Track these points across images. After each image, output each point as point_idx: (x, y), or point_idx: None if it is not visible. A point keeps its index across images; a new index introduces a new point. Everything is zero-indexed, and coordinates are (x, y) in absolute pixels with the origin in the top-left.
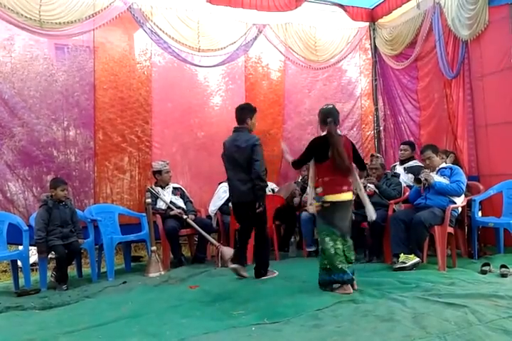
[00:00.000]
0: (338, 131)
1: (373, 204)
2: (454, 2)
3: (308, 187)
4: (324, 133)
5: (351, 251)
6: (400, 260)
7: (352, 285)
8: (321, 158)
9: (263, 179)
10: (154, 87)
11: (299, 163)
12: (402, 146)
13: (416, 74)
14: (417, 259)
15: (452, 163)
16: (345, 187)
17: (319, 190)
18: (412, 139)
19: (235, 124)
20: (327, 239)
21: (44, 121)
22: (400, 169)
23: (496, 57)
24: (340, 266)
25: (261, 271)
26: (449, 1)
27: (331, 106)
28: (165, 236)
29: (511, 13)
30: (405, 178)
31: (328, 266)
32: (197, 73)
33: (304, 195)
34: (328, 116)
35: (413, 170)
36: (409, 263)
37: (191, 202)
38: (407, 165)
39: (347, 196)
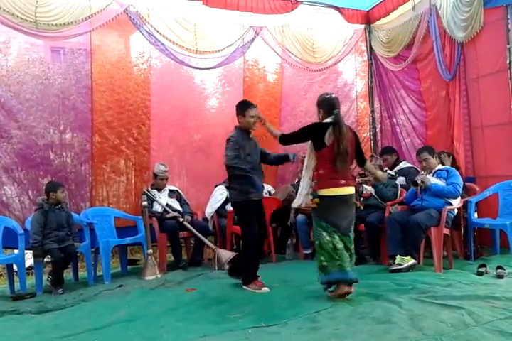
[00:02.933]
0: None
1: (370, 206)
2: (450, 4)
3: (302, 179)
4: (328, 120)
5: (351, 245)
6: (396, 262)
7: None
8: (319, 144)
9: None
10: (151, 90)
11: (289, 139)
12: (383, 157)
13: (417, 75)
14: (413, 261)
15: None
16: (342, 181)
17: (313, 183)
18: (417, 139)
19: (232, 127)
20: (324, 233)
21: (40, 124)
22: (391, 173)
23: (492, 59)
24: (338, 263)
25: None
26: (445, 3)
27: (334, 95)
28: (164, 238)
29: (506, 14)
30: (398, 181)
31: (324, 264)
32: (194, 76)
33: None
34: (335, 107)
35: (404, 172)
36: (405, 265)
37: (188, 205)
38: (397, 168)
39: (344, 190)
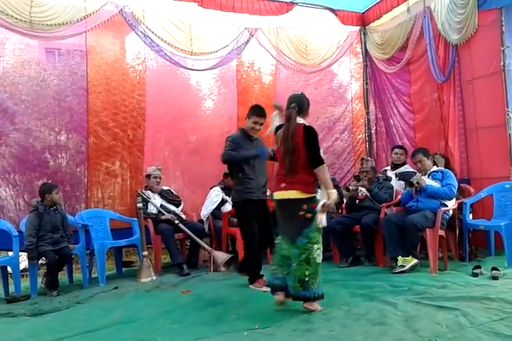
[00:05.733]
0: (301, 120)
1: (365, 208)
2: (444, 6)
3: None
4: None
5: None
6: (399, 263)
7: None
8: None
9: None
10: (147, 91)
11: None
12: (397, 150)
13: (408, 77)
14: (415, 261)
15: (445, 166)
16: (283, 184)
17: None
18: (407, 142)
19: (227, 128)
20: (316, 246)
21: (36, 125)
22: (391, 174)
23: (486, 61)
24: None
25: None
26: (439, 5)
27: (300, 93)
28: (159, 240)
29: (500, 17)
30: (396, 185)
31: (307, 279)
32: (189, 77)
33: None
34: (292, 102)
35: (404, 177)
36: (408, 266)
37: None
38: (398, 170)
39: (284, 194)
